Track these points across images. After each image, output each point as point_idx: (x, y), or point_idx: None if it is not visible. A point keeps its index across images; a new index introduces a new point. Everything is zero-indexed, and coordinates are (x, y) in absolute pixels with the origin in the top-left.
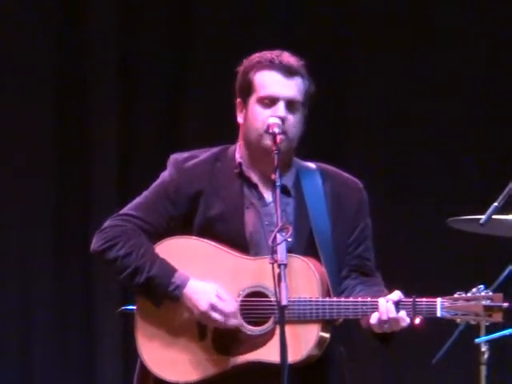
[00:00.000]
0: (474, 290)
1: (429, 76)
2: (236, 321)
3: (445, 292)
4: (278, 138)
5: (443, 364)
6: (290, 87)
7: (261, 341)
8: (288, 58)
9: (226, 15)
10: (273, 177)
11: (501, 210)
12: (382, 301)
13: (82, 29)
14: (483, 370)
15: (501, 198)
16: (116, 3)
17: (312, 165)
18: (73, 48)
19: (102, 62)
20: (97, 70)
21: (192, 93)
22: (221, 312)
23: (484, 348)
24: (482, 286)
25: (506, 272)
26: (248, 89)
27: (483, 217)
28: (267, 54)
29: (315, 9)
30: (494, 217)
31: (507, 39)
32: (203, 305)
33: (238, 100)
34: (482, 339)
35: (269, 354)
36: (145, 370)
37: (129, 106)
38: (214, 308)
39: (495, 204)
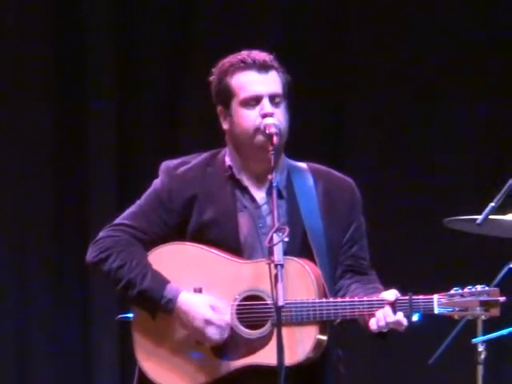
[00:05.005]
0: (470, 287)
1: (430, 76)
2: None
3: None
4: (275, 137)
5: (440, 364)
6: (269, 82)
7: (259, 344)
8: (259, 54)
9: (226, 17)
10: (269, 177)
11: (498, 210)
12: (379, 313)
13: (80, 27)
14: (480, 369)
15: (498, 197)
16: (115, 4)
17: (303, 165)
18: (71, 50)
19: (101, 63)
20: (96, 72)
21: (191, 96)
22: (217, 326)
23: (481, 348)
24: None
25: (503, 271)
26: (227, 94)
27: (480, 217)
28: (237, 56)
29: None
30: (490, 217)
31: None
32: (197, 322)
33: (219, 108)
34: (478, 339)
35: (267, 356)
36: (144, 378)
37: (127, 107)
38: (209, 323)
39: (492, 204)
